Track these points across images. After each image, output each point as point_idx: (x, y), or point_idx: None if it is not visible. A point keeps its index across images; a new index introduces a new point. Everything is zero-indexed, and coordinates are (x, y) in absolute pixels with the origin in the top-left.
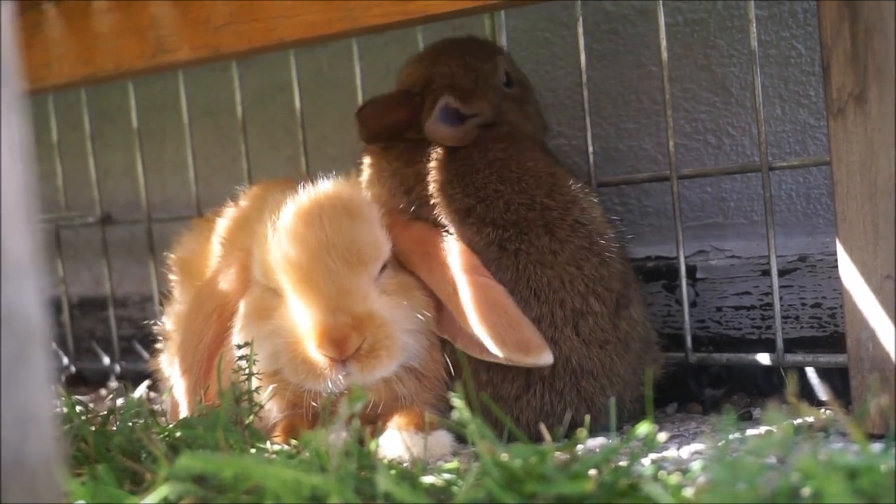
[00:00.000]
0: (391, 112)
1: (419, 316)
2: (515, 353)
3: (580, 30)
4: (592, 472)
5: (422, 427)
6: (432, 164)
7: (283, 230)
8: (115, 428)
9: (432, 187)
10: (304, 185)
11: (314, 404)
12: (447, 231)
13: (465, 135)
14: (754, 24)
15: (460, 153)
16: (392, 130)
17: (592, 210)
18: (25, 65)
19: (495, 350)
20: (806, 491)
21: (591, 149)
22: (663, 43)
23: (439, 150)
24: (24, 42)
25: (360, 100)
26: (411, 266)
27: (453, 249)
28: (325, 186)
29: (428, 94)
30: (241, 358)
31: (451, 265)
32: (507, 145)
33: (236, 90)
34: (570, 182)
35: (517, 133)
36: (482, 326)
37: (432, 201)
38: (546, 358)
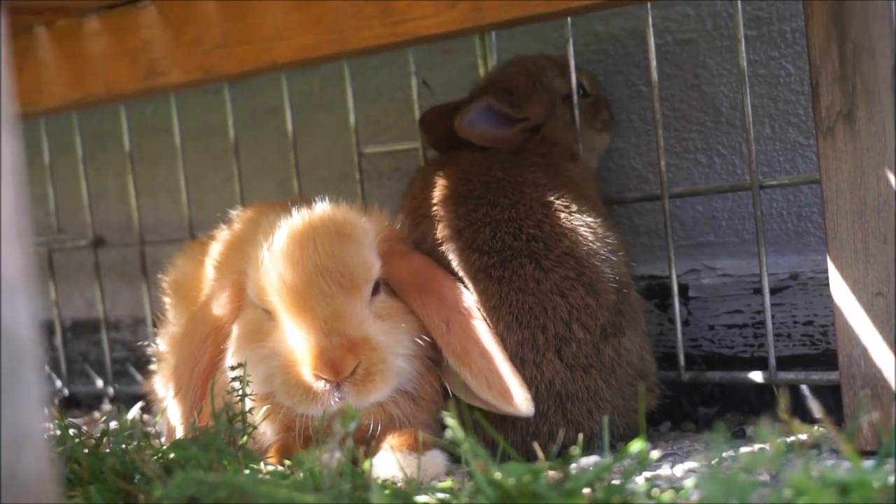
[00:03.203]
0: (451, 117)
1: (414, 340)
2: (498, 401)
3: (570, 50)
4: (586, 490)
5: (415, 448)
6: (436, 176)
7: (277, 252)
8: (108, 450)
9: (432, 202)
10: (297, 208)
11: (307, 428)
12: (442, 250)
13: (509, 137)
14: (743, 44)
15: (462, 168)
16: (454, 136)
17: (587, 243)
18: (17, 88)
19: (479, 394)
20: None
21: (577, 153)
22: (653, 63)
23: (448, 162)
24: (15, 65)
25: (352, 121)
26: (405, 296)
27: (449, 286)
28: (319, 208)
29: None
30: (234, 379)
31: (445, 303)
32: (510, 165)
33: (228, 113)
34: (565, 214)
35: (554, 145)
36: (469, 370)
37: (432, 214)
38: (527, 409)
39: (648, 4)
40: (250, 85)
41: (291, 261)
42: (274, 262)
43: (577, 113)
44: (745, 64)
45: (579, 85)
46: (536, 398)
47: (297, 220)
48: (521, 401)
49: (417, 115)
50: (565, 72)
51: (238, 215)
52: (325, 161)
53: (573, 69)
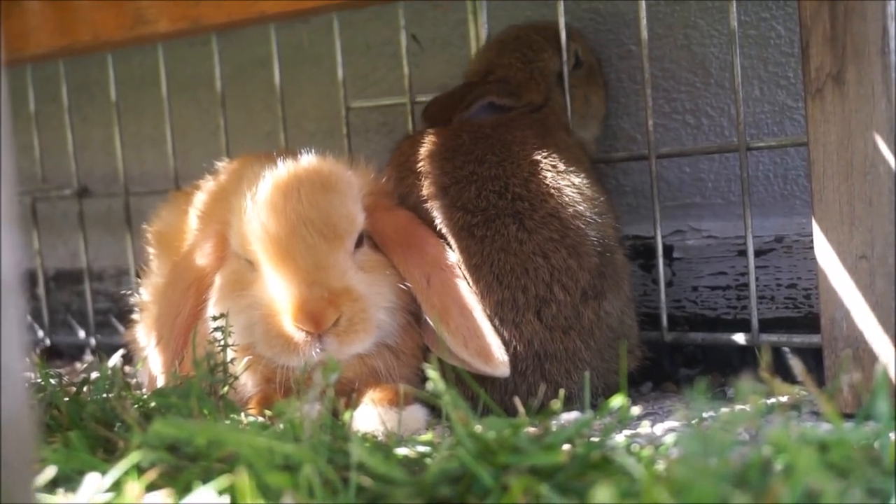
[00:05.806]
0: (453, 109)
1: (396, 293)
2: (474, 359)
3: (561, 8)
4: (566, 446)
5: (396, 402)
6: (426, 134)
7: (261, 201)
8: (88, 398)
9: (420, 157)
10: (282, 160)
11: (288, 380)
12: (427, 207)
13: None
14: (734, 5)
15: (453, 127)
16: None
17: (573, 204)
18: (3, 35)
19: (456, 351)
20: (777, 465)
21: (570, 127)
22: (643, 22)
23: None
24: (2, 12)
25: (340, 75)
26: (387, 251)
27: (432, 243)
28: (304, 160)
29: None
30: (216, 329)
31: (426, 258)
32: (500, 123)
33: (216, 64)
34: (552, 173)
35: (549, 116)
36: (447, 327)
37: (419, 169)
38: (503, 370)
39: None
40: (238, 37)
41: (275, 210)
42: (257, 212)
43: (567, 90)
44: (735, 24)
45: (574, 54)
46: (515, 358)
47: (281, 170)
48: (498, 361)
49: (406, 69)
50: (561, 48)
51: (223, 166)
52: (312, 114)
53: (563, 27)
